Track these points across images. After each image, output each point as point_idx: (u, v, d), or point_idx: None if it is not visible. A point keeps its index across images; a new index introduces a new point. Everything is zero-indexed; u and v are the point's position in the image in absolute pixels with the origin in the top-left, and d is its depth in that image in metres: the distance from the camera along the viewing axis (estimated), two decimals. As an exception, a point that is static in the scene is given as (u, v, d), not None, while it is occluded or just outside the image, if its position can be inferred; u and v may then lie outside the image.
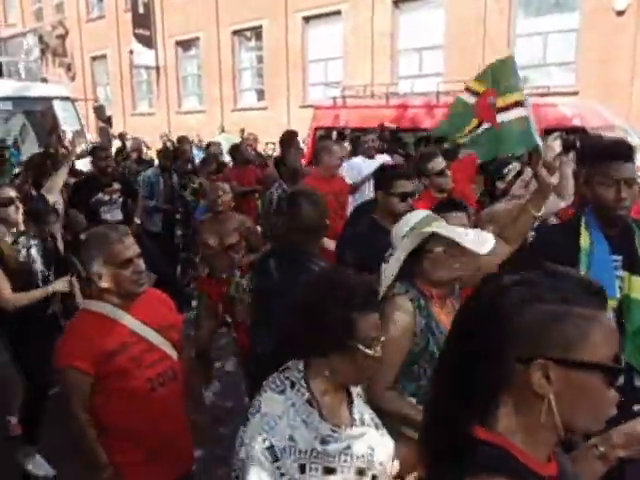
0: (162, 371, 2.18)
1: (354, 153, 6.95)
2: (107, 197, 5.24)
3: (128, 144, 12.69)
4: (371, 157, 5.90)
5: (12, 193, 3.34)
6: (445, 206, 2.65)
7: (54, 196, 4.19)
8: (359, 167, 5.74)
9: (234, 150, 6.86)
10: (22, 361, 3.42)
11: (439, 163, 3.71)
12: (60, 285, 3.24)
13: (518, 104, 2.37)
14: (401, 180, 3.08)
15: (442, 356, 1.08)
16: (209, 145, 9.18)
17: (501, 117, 2.42)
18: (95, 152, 5.64)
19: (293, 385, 1.47)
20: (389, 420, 1.76)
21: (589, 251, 2.22)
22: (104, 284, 2.11)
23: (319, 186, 4.15)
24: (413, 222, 2.06)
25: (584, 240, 2.25)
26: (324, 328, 1.44)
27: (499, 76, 2.48)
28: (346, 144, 8.63)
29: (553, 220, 4.38)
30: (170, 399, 2.19)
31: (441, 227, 2.03)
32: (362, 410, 1.59)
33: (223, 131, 16.04)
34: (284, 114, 16.53)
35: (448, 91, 9.37)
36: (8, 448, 3.66)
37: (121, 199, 5.35)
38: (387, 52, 14.31)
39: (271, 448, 1.38)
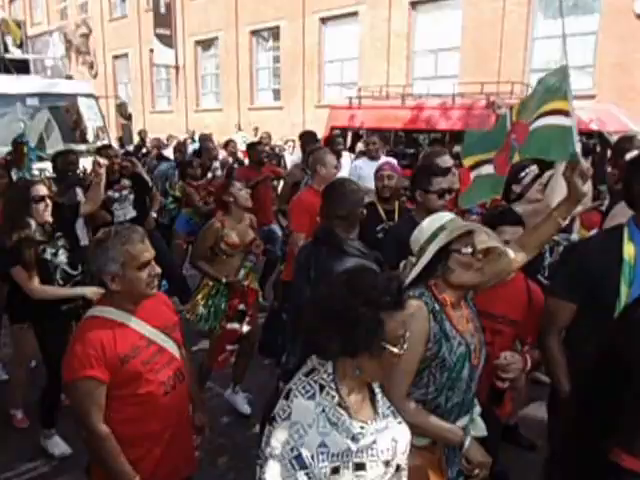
0: (172, 373, 2.13)
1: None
2: (117, 194, 5.31)
3: (147, 141, 12.94)
4: (375, 159, 5.87)
5: (44, 191, 3.43)
6: (500, 218, 2.54)
7: (92, 207, 4.09)
8: (360, 170, 5.75)
9: (250, 149, 6.94)
10: (43, 349, 3.56)
11: (445, 161, 3.74)
12: (89, 291, 3.28)
13: (563, 112, 2.19)
14: (438, 177, 3.12)
15: (587, 373, 1.02)
16: (228, 142, 9.33)
17: (543, 121, 2.26)
18: (101, 150, 5.70)
19: (322, 388, 1.48)
20: None
21: (634, 263, 2.06)
22: (115, 286, 2.03)
23: (314, 201, 4.10)
24: (443, 221, 1.98)
25: (628, 252, 2.08)
26: (354, 330, 1.43)
27: (552, 83, 2.32)
28: (360, 144, 8.78)
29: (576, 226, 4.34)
30: (180, 401, 2.17)
31: (477, 226, 2.00)
32: (383, 402, 1.62)
33: (240, 129, 16.26)
34: (299, 114, 16.69)
35: (464, 93, 9.46)
36: (29, 427, 3.83)
37: (132, 195, 5.41)
38: (403, 53, 14.37)
39: (299, 457, 1.40)
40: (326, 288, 1.57)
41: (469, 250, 1.93)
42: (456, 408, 1.99)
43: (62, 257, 3.49)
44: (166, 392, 2.08)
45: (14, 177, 5.48)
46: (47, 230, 3.43)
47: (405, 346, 1.50)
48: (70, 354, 1.99)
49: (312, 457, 1.41)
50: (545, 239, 2.24)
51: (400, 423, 1.61)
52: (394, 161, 6.32)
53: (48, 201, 3.41)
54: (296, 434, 1.42)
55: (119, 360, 1.98)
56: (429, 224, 2.02)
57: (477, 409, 2.10)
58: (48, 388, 3.52)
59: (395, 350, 1.47)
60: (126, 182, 5.40)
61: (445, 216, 2.03)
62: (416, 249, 2.02)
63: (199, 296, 3.96)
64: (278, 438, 1.43)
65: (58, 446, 3.60)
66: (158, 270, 2.10)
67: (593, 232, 4.43)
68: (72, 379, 1.97)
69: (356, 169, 5.94)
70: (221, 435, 3.74)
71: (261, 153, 6.25)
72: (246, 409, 4.08)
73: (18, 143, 6.00)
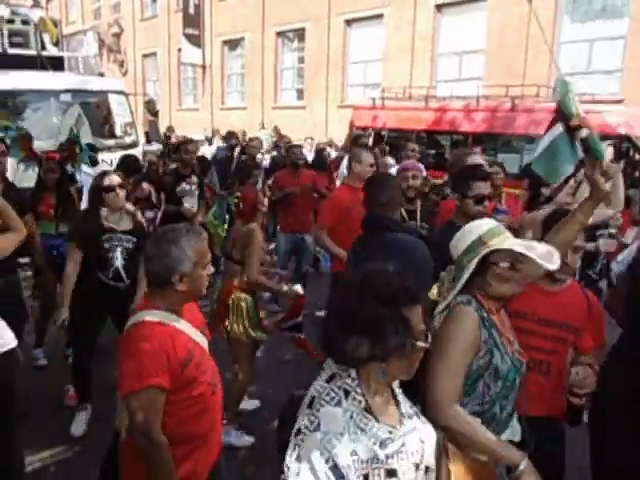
0: (213, 373, 2.11)
1: (394, 155, 7.14)
2: (188, 187, 5.63)
3: (173, 137, 13.19)
4: None
5: (114, 181, 3.64)
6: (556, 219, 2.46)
7: None
8: None
9: (286, 151, 6.80)
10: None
11: (474, 159, 3.82)
12: (62, 316, 3.61)
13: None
14: (478, 182, 3.03)
15: None
16: (251, 140, 9.48)
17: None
18: (181, 146, 6.08)
19: (347, 394, 1.42)
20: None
21: None
22: (182, 287, 1.95)
23: (348, 198, 4.17)
24: (481, 232, 1.93)
25: None
26: (383, 334, 1.38)
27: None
28: (382, 145, 8.87)
29: (613, 230, 4.30)
30: (220, 400, 2.18)
31: (514, 242, 1.92)
32: (404, 401, 1.56)
33: (263, 127, 16.47)
34: (322, 113, 16.82)
35: (488, 95, 9.48)
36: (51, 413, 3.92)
37: (197, 192, 5.72)
38: (427, 55, 14.39)
39: (335, 467, 1.33)
40: (340, 295, 1.51)
41: (507, 265, 1.88)
42: (510, 418, 1.96)
43: (119, 256, 3.64)
44: (213, 392, 2.07)
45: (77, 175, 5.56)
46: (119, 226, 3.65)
47: (430, 339, 1.46)
48: (132, 362, 1.88)
49: (348, 466, 1.33)
50: (571, 239, 2.18)
51: (425, 423, 1.56)
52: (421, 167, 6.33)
53: (118, 190, 3.60)
54: (329, 444, 1.34)
55: (180, 365, 1.92)
56: (466, 234, 1.97)
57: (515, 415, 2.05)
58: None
59: (423, 345, 1.43)
60: (194, 178, 5.66)
61: (482, 225, 1.97)
62: (454, 258, 2.00)
63: (244, 313, 3.63)
64: (309, 451, 1.35)
65: (78, 428, 3.74)
66: (212, 269, 2.06)
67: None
68: (136, 389, 1.87)
69: None
70: (240, 428, 3.75)
71: (296, 156, 6.15)
72: (254, 404, 4.10)
73: (70, 142, 5.93)
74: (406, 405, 1.56)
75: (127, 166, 5.43)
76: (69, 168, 5.37)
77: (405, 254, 2.64)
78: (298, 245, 5.96)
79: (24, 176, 5.49)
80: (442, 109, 9.70)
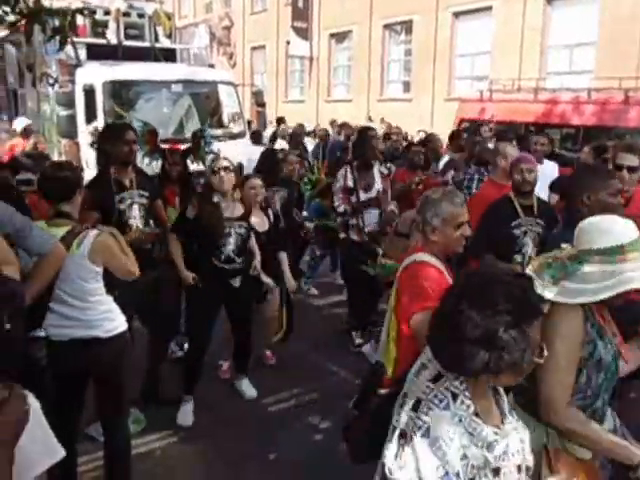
0: None
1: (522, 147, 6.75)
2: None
3: (281, 128, 13.50)
4: (539, 162, 5.14)
5: (224, 163, 3.77)
6: None
7: None
8: None
9: (406, 148, 6.53)
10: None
11: (632, 160, 3.48)
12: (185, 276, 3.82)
13: None
14: (625, 153, 3.31)
15: None
16: (371, 130, 9.47)
17: None
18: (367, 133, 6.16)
19: (455, 397, 1.38)
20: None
21: None
22: (434, 237, 2.35)
23: (493, 195, 3.89)
24: (624, 240, 1.78)
25: None
26: (499, 350, 1.30)
27: None
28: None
29: None
30: None
31: None
32: (503, 397, 1.53)
33: (370, 120, 16.48)
34: (428, 106, 16.60)
35: (599, 88, 8.90)
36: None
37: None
38: (536, 48, 13.90)
39: (446, 475, 1.30)
40: (456, 298, 1.41)
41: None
42: (606, 409, 1.92)
43: (232, 242, 3.76)
44: None
45: (190, 167, 5.64)
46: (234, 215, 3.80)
47: (545, 352, 1.39)
48: (420, 288, 2.24)
49: (458, 474, 1.31)
50: None
51: (518, 421, 1.52)
52: (555, 165, 5.53)
53: (223, 173, 3.72)
54: (440, 451, 1.31)
55: None
56: (608, 230, 1.82)
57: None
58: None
59: (538, 361, 1.38)
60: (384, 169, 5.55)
61: (626, 232, 1.81)
62: (581, 247, 1.86)
63: None
64: (419, 459, 1.32)
65: (186, 418, 3.81)
66: (468, 232, 2.42)
67: None
68: (425, 307, 2.14)
69: None
70: (324, 408, 3.92)
71: (416, 154, 5.92)
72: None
73: (197, 136, 6.11)
74: (505, 401, 1.52)
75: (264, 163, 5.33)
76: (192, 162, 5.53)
77: None
78: None
79: (149, 167, 5.60)
80: (552, 101, 9.27)
